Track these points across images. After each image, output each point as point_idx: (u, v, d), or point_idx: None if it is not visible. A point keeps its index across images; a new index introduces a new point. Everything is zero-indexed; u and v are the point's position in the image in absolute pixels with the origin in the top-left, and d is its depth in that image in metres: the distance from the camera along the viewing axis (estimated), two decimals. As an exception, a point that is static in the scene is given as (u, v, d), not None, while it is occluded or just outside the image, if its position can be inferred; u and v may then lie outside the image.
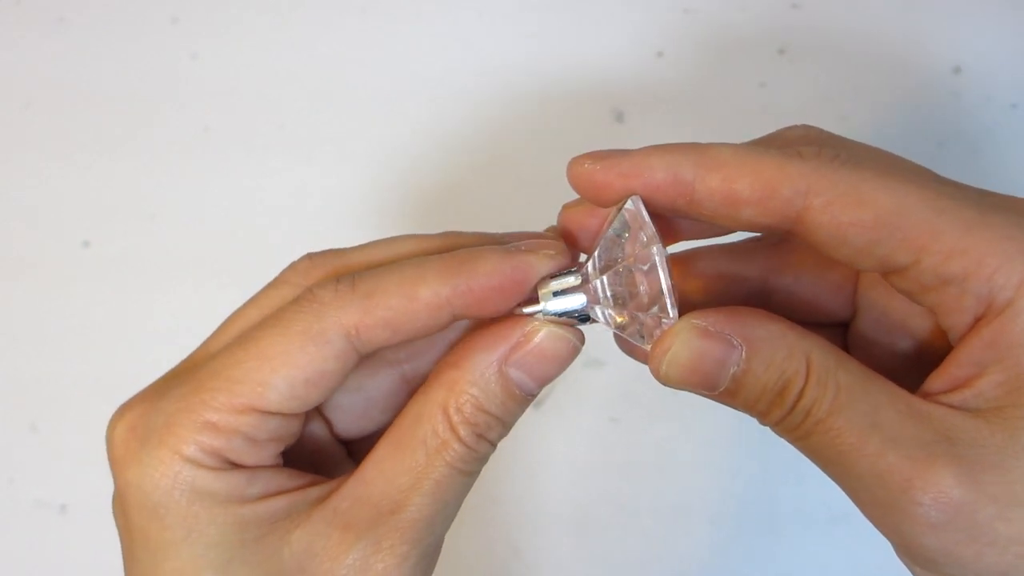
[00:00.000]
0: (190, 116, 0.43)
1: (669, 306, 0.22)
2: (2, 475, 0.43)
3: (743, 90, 0.41)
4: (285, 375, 0.22)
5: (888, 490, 0.20)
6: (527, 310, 0.24)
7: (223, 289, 0.43)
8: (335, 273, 0.24)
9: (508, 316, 0.24)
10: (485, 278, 0.23)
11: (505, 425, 0.24)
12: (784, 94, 0.41)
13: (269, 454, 0.24)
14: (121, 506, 0.23)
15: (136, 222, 0.43)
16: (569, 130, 0.42)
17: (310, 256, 0.26)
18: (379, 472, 0.23)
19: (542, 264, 0.23)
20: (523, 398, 0.24)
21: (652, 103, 0.41)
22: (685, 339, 0.22)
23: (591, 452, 0.41)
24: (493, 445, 0.24)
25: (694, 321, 0.22)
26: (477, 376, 0.23)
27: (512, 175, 0.42)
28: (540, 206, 0.42)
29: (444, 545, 0.25)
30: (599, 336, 0.26)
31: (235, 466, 0.23)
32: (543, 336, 0.23)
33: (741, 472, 0.40)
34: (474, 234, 0.25)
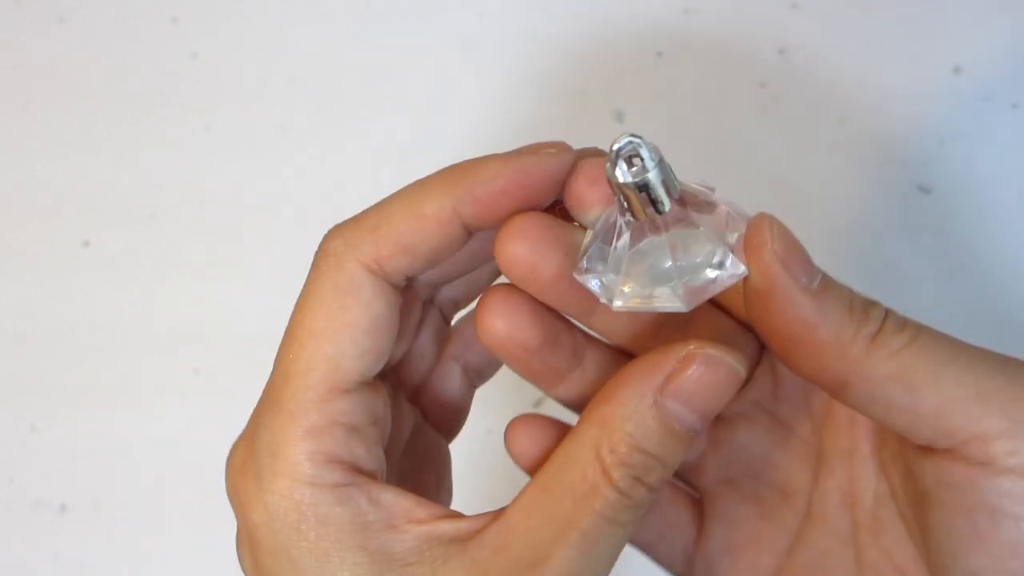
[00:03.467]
0: (190, 116, 0.43)
1: (738, 212, 0.21)
2: (2, 475, 0.43)
3: (743, 90, 0.41)
4: (342, 339, 0.21)
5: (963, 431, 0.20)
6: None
7: (223, 289, 0.43)
8: (339, 227, 0.23)
9: (662, 347, 0.21)
10: (489, 183, 0.22)
11: (666, 467, 0.21)
12: (784, 94, 0.41)
13: (377, 447, 0.22)
14: (250, 550, 0.22)
15: (136, 222, 0.43)
16: (569, 130, 0.42)
17: (324, 237, 0.24)
18: (523, 519, 0.21)
19: (545, 162, 0.22)
20: (685, 435, 0.21)
21: (652, 103, 0.41)
22: (773, 219, 0.21)
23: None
24: (652, 491, 0.21)
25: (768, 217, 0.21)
26: (631, 411, 0.21)
27: (512, 175, 0.42)
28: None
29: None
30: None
31: (354, 474, 0.21)
32: (703, 362, 0.21)
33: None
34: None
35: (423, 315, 0.26)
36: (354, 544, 0.21)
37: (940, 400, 0.20)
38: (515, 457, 0.24)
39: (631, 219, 0.21)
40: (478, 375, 0.27)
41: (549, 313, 0.23)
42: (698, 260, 0.21)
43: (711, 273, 0.21)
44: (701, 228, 0.21)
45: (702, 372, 0.21)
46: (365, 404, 0.22)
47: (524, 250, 0.22)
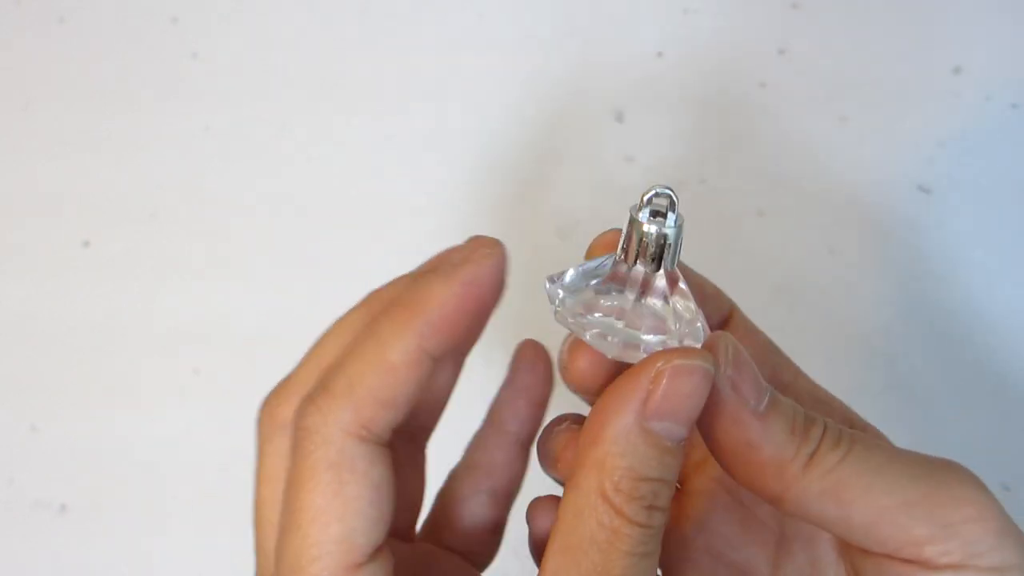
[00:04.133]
0: (190, 116, 0.43)
1: (700, 327, 0.22)
2: (2, 475, 0.43)
3: (743, 90, 0.41)
4: (349, 517, 0.21)
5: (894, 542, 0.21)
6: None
7: (223, 289, 0.43)
8: (299, 398, 0.22)
9: (629, 372, 0.22)
10: (442, 308, 0.21)
11: (670, 485, 0.21)
12: (784, 94, 0.41)
13: None
14: None
15: (136, 222, 0.43)
16: (569, 130, 0.42)
17: (265, 405, 0.23)
18: None
19: (484, 266, 0.22)
20: (677, 448, 0.21)
21: (652, 103, 0.41)
22: (734, 340, 0.22)
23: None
24: (665, 512, 0.21)
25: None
26: (622, 446, 0.21)
27: (512, 175, 0.42)
28: (540, 206, 0.42)
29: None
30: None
31: None
32: (671, 375, 0.21)
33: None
34: (389, 284, 0.24)
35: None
36: None
37: (870, 512, 0.21)
38: (537, 535, 0.24)
39: (621, 261, 0.23)
40: (506, 496, 0.27)
41: None
42: (643, 335, 0.22)
43: (644, 350, 0.22)
44: (667, 312, 0.23)
45: (676, 384, 0.21)
46: (381, 569, 0.21)
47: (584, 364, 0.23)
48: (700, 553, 0.26)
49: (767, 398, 0.22)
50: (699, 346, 0.22)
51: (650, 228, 0.22)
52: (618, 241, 0.23)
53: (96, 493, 0.42)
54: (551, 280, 0.23)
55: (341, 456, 0.21)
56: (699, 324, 0.23)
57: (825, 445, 0.21)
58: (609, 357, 0.22)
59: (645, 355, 0.22)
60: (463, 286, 0.21)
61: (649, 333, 0.22)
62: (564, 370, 0.24)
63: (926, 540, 0.21)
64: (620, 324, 0.22)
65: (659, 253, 0.22)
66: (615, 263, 0.23)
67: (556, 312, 0.23)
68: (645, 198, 0.22)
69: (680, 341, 0.22)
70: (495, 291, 0.22)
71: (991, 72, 0.40)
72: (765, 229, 0.40)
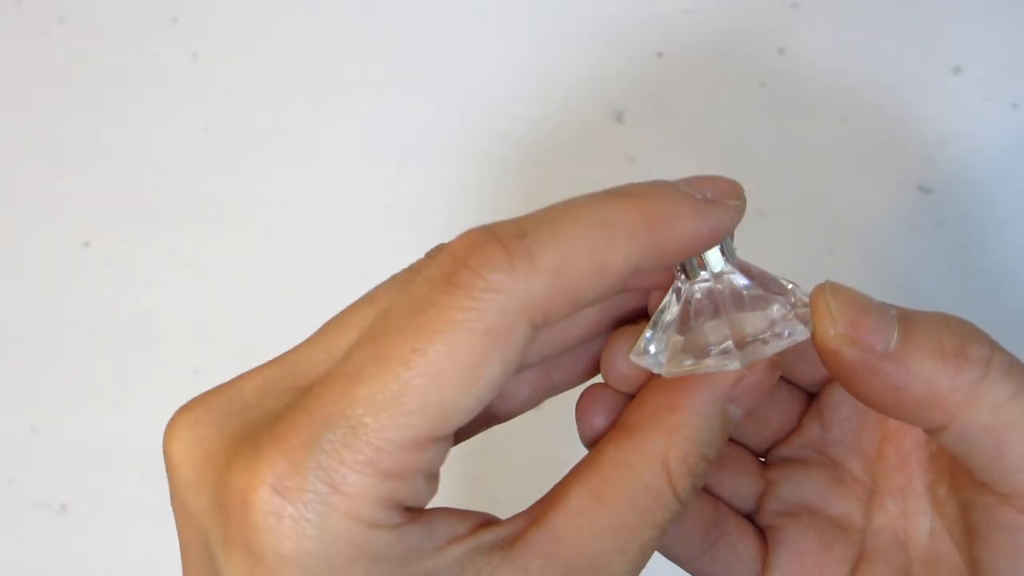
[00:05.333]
0: (190, 116, 0.43)
1: (796, 287, 0.21)
2: (2, 475, 0.43)
3: (743, 90, 0.41)
4: (471, 394, 0.18)
5: None
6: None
7: (223, 289, 0.43)
8: (498, 242, 0.19)
9: None
10: (681, 238, 0.19)
11: (710, 471, 0.21)
12: (784, 94, 0.41)
13: (438, 479, 0.20)
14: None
15: (136, 222, 0.43)
16: (569, 130, 0.42)
17: (467, 234, 0.19)
18: (575, 528, 0.20)
19: (732, 217, 0.20)
20: (728, 435, 0.21)
21: (652, 103, 0.41)
22: (834, 287, 0.20)
23: (591, 452, 0.41)
24: (698, 495, 0.21)
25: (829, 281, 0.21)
26: (705, 420, 0.20)
27: (512, 175, 0.42)
28: (540, 205, 0.42)
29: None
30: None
31: (414, 515, 0.19)
32: (765, 366, 0.21)
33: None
34: (652, 185, 0.21)
35: None
36: (400, 573, 0.19)
37: (1020, 459, 0.20)
38: (583, 430, 0.23)
39: (684, 281, 0.21)
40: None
41: None
42: (751, 337, 0.21)
43: (764, 345, 0.21)
44: (758, 304, 0.21)
45: (764, 376, 0.21)
46: (449, 446, 0.19)
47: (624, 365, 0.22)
48: (800, 509, 0.26)
49: (895, 331, 0.20)
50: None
51: None
52: (671, 271, 0.22)
53: (96, 493, 0.42)
54: (636, 355, 0.21)
55: (506, 334, 0.18)
56: (799, 294, 0.21)
57: (995, 373, 0.20)
58: (740, 368, 0.21)
59: (772, 349, 0.21)
60: (710, 230, 0.20)
61: (761, 332, 0.21)
62: (606, 375, 0.23)
63: None
64: (730, 344, 0.21)
65: (715, 251, 0.21)
66: (679, 292, 0.21)
67: (666, 373, 0.21)
68: None
69: (796, 314, 0.21)
70: (715, 242, 0.21)
71: (991, 72, 0.40)
72: (765, 229, 0.40)
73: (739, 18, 0.41)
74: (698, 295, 0.21)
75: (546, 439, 0.41)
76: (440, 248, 0.21)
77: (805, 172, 0.40)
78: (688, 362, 0.21)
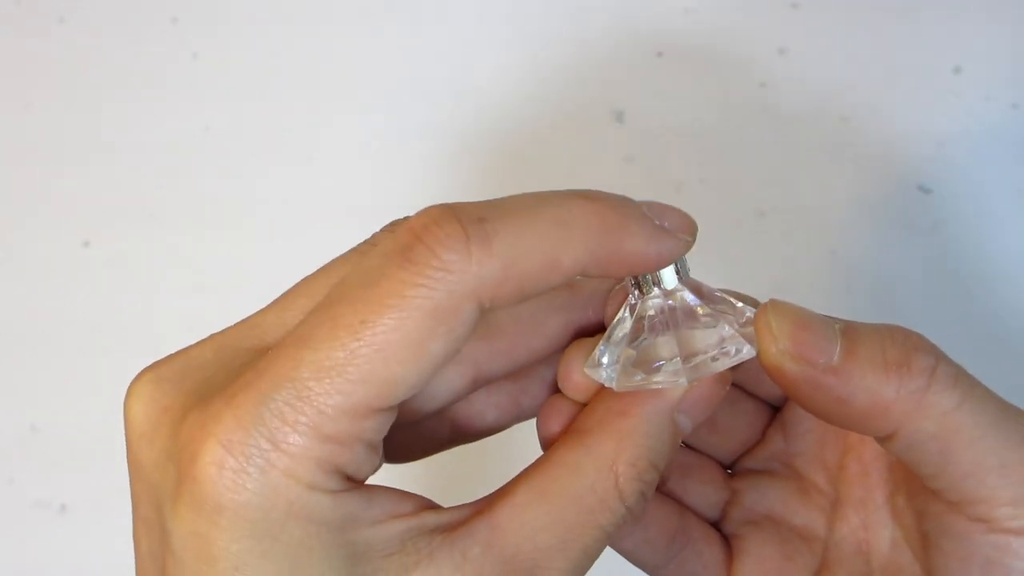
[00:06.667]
0: (190, 116, 0.43)
1: (745, 306, 0.22)
2: (2, 475, 0.43)
3: (743, 90, 0.41)
4: (417, 369, 0.18)
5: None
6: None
7: (223, 289, 0.43)
8: (458, 223, 0.19)
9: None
10: (629, 255, 0.20)
11: (659, 480, 0.21)
12: (784, 94, 0.41)
13: (381, 454, 0.20)
14: (208, 526, 0.19)
15: (136, 222, 0.43)
16: (569, 130, 0.42)
17: (428, 210, 0.19)
18: (518, 522, 0.20)
19: (677, 250, 0.20)
20: (678, 445, 0.21)
21: (652, 103, 0.41)
22: (776, 304, 0.21)
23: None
24: (648, 503, 0.21)
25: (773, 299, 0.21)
26: (654, 426, 0.20)
27: (512, 175, 0.42)
28: (540, 206, 0.43)
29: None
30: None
31: (355, 484, 0.20)
32: (713, 380, 0.21)
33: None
34: (615, 199, 0.21)
35: None
36: (339, 542, 0.19)
37: (966, 466, 0.20)
38: (541, 436, 0.23)
39: (639, 298, 0.22)
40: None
41: None
42: (700, 354, 0.21)
43: (714, 362, 0.21)
44: (708, 323, 0.22)
45: (713, 387, 0.21)
46: (391, 419, 0.20)
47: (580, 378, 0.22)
48: (763, 519, 0.26)
49: (839, 347, 0.20)
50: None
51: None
52: (626, 289, 0.22)
53: (96, 493, 0.42)
54: (590, 367, 0.22)
55: (454, 314, 0.18)
56: (748, 313, 0.22)
57: (940, 383, 0.20)
58: (687, 384, 0.21)
59: (720, 366, 0.21)
60: (657, 255, 0.20)
61: (710, 349, 0.21)
62: (563, 385, 0.23)
63: (1005, 502, 0.20)
64: (678, 361, 0.21)
65: (668, 269, 0.21)
66: (633, 308, 0.22)
67: (618, 388, 0.21)
68: None
69: (742, 333, 0.21)
70: (663, 265, 0.21)
71: (991, 72, 0.40)
72: (765, 229, 0.40)
73: (739, 18, 0.41)
74: (651, 311, 0.22)
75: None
76: (399, 223, 0.21)
77: (805, 172, 0.40)
78: (638, 377, 0.21)
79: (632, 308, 0.22)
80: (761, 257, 0.40)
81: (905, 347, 0.20)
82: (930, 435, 0.20)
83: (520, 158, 0.42)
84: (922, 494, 0.22)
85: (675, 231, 0.21)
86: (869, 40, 0.40)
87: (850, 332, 0.21)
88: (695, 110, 0.41)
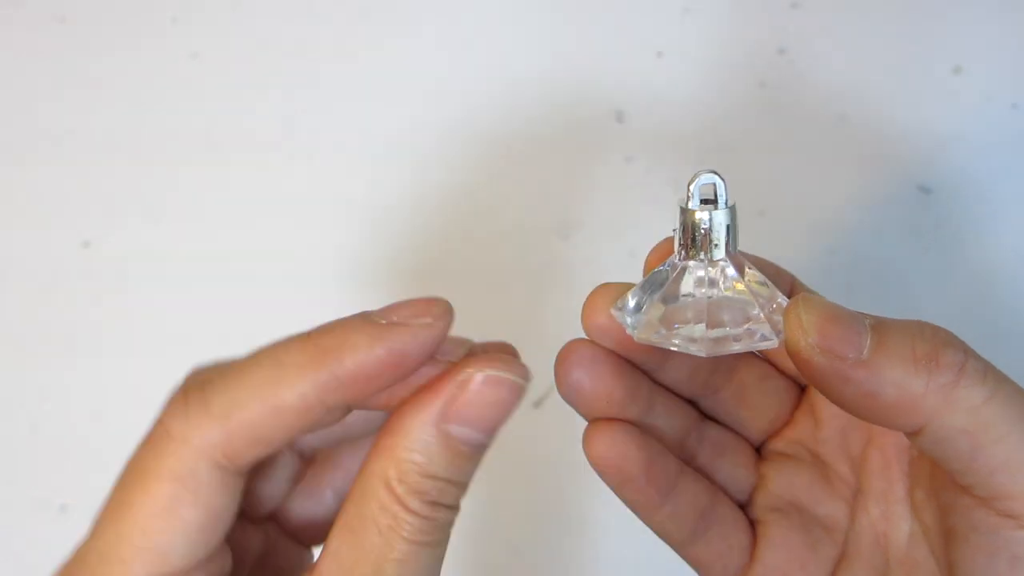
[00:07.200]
0: (190, 116, 0.43)
1: (778, 292, 0.22)
2: (2, 475, 0.43)
3: (743, 90, 0.41)
4: (174, 535, 0.20)
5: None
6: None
7: (224, 289, 0.43)
8: (182, 393, 0.21)
9: (445, 368, 0.21)
10: (355, 367, 0.20)
11: (460, 485, 0.21)
12: (784, 94, 0.41)
13: None
14: None
15: (136, 222, 0.43)
16: (569, 130, 0.42)
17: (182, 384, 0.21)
18: (337, 566, 0.20)
19: (418, 337, 0.20)
20: (472, 453, 0.21)
21: (652, 103, 0.41)
22: (807, 298, 0.21)
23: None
24: (453, 509, 0.21)
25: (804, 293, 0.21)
26: (414, 440, 0.20)
27: (512, 175, 0.42)
28: (540, 206, 0.42)
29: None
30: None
31: None
32: (481, 383, 0.21)
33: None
34: (345, 319, 0.21)
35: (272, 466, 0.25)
36: None
37: (995, 461, 0.20)
38: (597, 463, 0.24)
39: (684, 259, 0.22)
40: None
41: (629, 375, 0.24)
42: (725, 327, 0.21)
43: (735, 343, 0.21)
44: (742, 299, 0.22)
45: (482, 393, 0.21)
46: (220, 566, 0.21)
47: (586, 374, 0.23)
48: (788, 505, 0.26)
49: (868, 341, 0.20)
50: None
51: (703, 215, 0.21)
52: (672, 246, 0.22)
53: (96, 493, 0.42)
54: (617, 309, 0.22)
55: (191, 476, 0.20)
56: (779, 300, 0.22)
57: (969, 378, 0.20)
58: (705, 357, 0.21)
59: (740, 347, 0.21)
60: (388, 352, 0.20)
61: (734, 325, 0.21)
62: (586, 327, 0.23)
63: None
64: (702, 327, 0.21)
65: (719, 239, 0.21)
66: (675, 265, 0.22)
67: (636, 337, 0.22)
68: (691, 187, 0.22)
69: (769, 319, 0.21)
70: (419, 362, 0.21)
71: (991, 72, 0.40)
72: (765, 229, 0.40)
73: (739, 18, 0.41)
74: (691, 273, 0.22)
75: (546, 439, 0.41)
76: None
77: (805, 172, 0.40)
78: (658, 334, 0.21)
79: (674, 266, 0.22)
80: (761, 256, 0.40)
81: (934, 342, 0.21)
82: (959, 430, 0.20)
83: (520, 158, 0.42)
84: (948, 489, 0.22)
85: (407, 320, 0.20)
86: (869, 40, 0.40)
87: (880, 327, 0.21)
88: (695, 110, 0.41)
